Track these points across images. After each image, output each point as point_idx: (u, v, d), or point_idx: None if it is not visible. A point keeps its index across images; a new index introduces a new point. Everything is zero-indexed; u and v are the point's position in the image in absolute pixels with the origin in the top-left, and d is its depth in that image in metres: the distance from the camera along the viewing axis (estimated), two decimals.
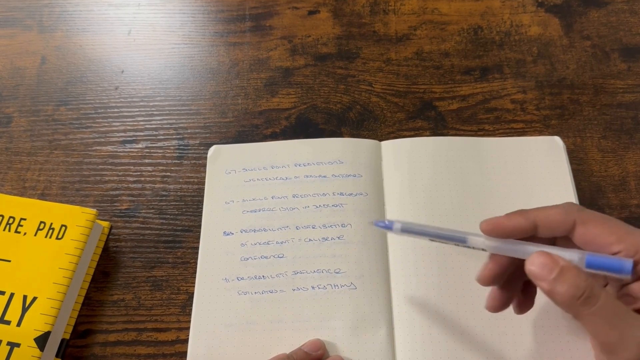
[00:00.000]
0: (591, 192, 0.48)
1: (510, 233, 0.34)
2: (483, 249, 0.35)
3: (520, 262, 0.34)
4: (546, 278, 0.31)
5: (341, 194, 0.47)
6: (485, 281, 0.35)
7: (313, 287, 0.43)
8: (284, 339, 0.41)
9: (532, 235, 0.34)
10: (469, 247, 0.35)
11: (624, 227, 0.32)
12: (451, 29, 0.58)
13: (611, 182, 0.48)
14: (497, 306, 0.36)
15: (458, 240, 0.35)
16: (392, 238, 0.45)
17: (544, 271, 0.31)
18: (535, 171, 0.47)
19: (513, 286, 0.36)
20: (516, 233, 0.34)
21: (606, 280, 0.35)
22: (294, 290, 0.43)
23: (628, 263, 0.31)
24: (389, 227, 0.37)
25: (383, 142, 0.49)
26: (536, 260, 0.32)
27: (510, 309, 0.38)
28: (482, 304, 0.37)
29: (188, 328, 0.43)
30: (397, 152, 0.48)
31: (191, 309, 0.43)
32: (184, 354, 0.42)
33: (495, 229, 0.34)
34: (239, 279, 0.44)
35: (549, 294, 0.32)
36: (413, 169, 0.47)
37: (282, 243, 0.45)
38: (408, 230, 0.36)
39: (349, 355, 0.41)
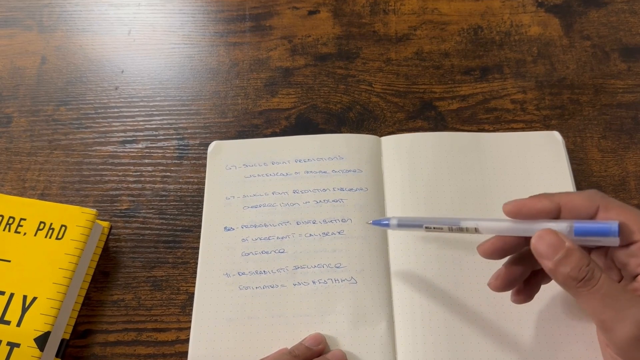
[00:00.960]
0: None
1: (535, 214, 0.34)
2: (476, 229, 0.36)
3: (532, 263, 0.36)
4: (551, 258, 0.32)
5: (341, 189, 0.47)
6: (484, 252, 0.36)
7: (314, 282, 0.43)
8: (285, 333, 0.42)
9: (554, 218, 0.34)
10: (462, 229, 0.36)
11: None
12: (451, 29, 0.58)
13: (611, 182, 0.48)
14: (499, 285, 0.37)
15: (451, 224, 0.37)
16: (392, 232, 0.45)
17: (549, 250, 0.32)
18: (535, 165, 0.47)
19: (520, 271, 0.37)
20: (541, 214, 0.34)
21: (620, 275, 0.35)
22: (294, 285, 0.43)
23: (614, 224, 0.32)
24: (386, 224, 0.40)
25: (383, 138, 0.50)
26: (543, 238, 0.32)
27: (514, 307, 0.39)
28: (482, 298, 0.39)
29: (188, 328, 0.43)
30: (397, 147, 0.49)
31: (191, 309, 0.43)
32: (184, 354, 0.42)
33: (521, 210, 0.34)
34: (240, 274, 0.44)
35: (551, 272, 0.32)
36: (413, 164, 0.47)
37: (282, 238, 0.45)
38: (404, 224, 0.39)
39: (350, 349, 0.41)
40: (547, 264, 0.32)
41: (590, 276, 0.31)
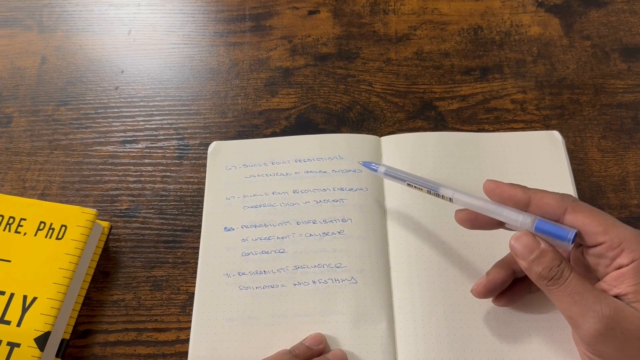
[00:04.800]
0: (591, 192, 0.48)
1: (505, 199, 0.36)
2: (450, 199, 0.39)
3: (514, 271, 0.39)
4: (526, 258, 0.34)
5: (341, 189, 0.47)
6: (458, 219, 0.39)
7: (314, 282, 0.43)
8: (285, 333, 0.42)
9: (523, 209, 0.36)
10: (439, 195, 0.39)
11: (611, 220, 0.34)
12: (451, 29, 0.58)
13: (611, 182, 0.48)
14: (480, 292, 0.39)
15: (431, 188, 0.40)
16: (393, 232, 0.45)
17: (525, 251, 0.35)
18: (535, 165, 0.47)
19: (500, 280, 0.39)
20: (510, 201, 0.36)
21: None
22: (295, 284, 0.43)
23: (572, 233, 0.34)
24: (374, 169, 0.43)
25: (383, 138, 0.50)
26: (520, 239, 0.35)
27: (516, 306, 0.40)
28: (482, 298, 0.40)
29: (188, 328, 0.43)
30: (397, 147, 0.49)
31: (191, 309, 0.43)
32: (184, 354, 0.42)
33: (495, 191, 0.37)
34: (240, 274, 0.44)
35: (526, 271, 0.35)
36: (413, 164, 0.47)
37: (283, 238, 0.45)
38: (390, 174, 0.42)
39: (350, 349, 0.41)
40: (522, 264, 0.35)
41: (560, 275, 0.33)
